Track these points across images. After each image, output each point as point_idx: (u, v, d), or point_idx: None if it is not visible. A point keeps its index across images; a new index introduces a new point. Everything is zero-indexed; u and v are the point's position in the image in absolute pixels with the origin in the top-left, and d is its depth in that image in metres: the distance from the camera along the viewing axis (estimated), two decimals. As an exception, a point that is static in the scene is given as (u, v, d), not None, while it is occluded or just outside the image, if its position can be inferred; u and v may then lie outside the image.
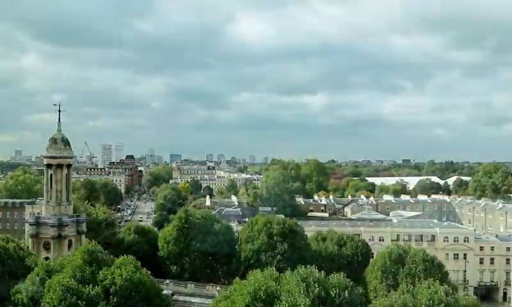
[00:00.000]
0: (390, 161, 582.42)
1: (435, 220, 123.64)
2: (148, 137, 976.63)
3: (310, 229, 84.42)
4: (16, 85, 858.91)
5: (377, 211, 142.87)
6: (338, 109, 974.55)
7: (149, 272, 45.06)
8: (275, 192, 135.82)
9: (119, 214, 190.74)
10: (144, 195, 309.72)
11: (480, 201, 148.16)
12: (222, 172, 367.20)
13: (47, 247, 61.60)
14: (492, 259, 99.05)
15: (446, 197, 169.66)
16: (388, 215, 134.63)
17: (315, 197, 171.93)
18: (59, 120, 65.70)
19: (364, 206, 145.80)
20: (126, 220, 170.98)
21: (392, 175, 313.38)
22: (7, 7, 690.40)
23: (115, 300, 38.47)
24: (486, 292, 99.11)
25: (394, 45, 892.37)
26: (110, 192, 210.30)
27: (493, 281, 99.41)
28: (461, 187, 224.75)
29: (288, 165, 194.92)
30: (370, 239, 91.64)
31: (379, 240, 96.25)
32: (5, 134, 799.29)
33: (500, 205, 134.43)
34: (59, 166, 63.84)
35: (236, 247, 76.18)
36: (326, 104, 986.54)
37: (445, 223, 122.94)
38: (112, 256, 45.57)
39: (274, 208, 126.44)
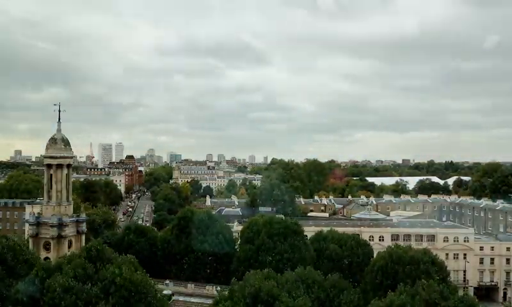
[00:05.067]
0: (389, 161, 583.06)
1: (435, 220, 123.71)
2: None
3: (310, 229, 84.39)
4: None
5: (377, 211, 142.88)
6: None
7: (145, 271, 44.94)
8: (275, 192, 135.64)
9: (120, 215, 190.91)
10: (144, 195, 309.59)
11: (480, 201, 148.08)
12: (222, 172, 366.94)
13: (47, 247, 61.64)
14: (492, 259, 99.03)
15: (446, 197, 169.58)
16: (388, 215, 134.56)
17: (315, 197, 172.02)
18: (59, 120, 65.79)
19: (364, 206, 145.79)
20: (127, 218, 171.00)
21: (392, 175, 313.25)
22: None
23: (114, 300, 38.40)
24: (486, 292, 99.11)
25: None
26: (110, 192, 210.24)
27: (493, 281, 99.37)
28: (461, 186, 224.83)
29: (288, 165, 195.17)
30: (370, 239, 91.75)
31: (379, 240, 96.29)
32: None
33: (500, 205, 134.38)
34: (59, 166, 63.89)
35: (236, 247, 76.25)
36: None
37: (445, 223, 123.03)
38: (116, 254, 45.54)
39: (274, 208, 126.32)
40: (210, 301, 53.17)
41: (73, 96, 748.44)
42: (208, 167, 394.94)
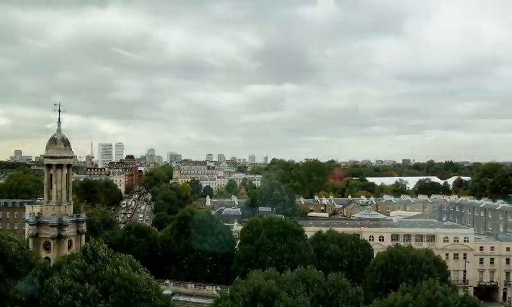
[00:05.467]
0: (389, 161, 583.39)
1: (435, 220, 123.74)
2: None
3: (310, 229, 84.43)
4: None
5: (377, 211, 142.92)
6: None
7: (148, 271, 44.97)
8: (275, 192, 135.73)
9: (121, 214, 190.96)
10: (145, 195, 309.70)
11: (480, 201, 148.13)
12: (222, 172, 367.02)
13: (47, 247, 61.58)
14: (492, 259, 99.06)
15: (446, 197, 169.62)
16: (388, 215, 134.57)
17: (315, 197, 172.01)
18: (59, 120, 65.78)
19: (364, 206, 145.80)
20: (124, 223, 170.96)
21: (392, 175, 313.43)
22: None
23: (113, 300, 38.34)
24: (486, 292, 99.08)
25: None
26: (110, 192, 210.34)
27: (493, 281, 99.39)
28: (461, 186, 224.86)
29: (288, 165, 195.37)
30: (370, 239, 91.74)
31: (379, 240, 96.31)
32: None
33: (500, 205, 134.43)
34: (59, 166, 63.84)
35: (236, 247, 76.28)
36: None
37: (445, 223, 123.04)
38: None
39: (274, 208, 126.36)
40: (210, 301, 53.16)
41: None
42: (208, 167, 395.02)
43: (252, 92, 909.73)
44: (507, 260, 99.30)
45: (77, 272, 39.59)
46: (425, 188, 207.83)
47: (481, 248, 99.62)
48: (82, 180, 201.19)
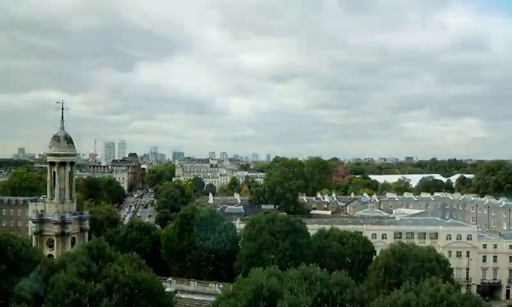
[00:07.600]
0: (392, 159, 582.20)
1: (438, 218, 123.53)
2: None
3: (312, 227, 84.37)
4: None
5: (380, 209, 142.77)
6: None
7: (151, 269, 45.10)
8: (278, 190, 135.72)
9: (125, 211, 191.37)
10: (147, 193, 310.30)
11: (483, 199, 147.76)
12: (224, 170, 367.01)
13: (50, 244, 61.92)
14: (495, 257, 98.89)
15: (449, 195, 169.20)
16: (390, 212, 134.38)
17: (318, 195, 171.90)
18: (62, 118, 65.96)
19: (367, 204, 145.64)
20: (128, 219, 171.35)
21: (395, 173, 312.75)
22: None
23: (118, 297, 38.44)
24: (489, 290, 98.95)
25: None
26: (113, 190, 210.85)
27: (496, 279, 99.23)
28: (464, 184, 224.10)
29: (291, 163, 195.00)
30: (372, 237, 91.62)
31: (382, 238, 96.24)
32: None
33: (504, 203, 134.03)
34: (62, 164, 64.09)
35: (239, 244, 76.32)
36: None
37: (448, 221, 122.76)
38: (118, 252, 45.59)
39: (277, 206, 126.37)
40: (212, 298, 53.20)
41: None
42: (211, 165, 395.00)
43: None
44: (511, 258, 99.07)
45: (82, 269, 39.71)
46: (428, 186, 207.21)
47: (484, 246, 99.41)
48: (85, 177, 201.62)
